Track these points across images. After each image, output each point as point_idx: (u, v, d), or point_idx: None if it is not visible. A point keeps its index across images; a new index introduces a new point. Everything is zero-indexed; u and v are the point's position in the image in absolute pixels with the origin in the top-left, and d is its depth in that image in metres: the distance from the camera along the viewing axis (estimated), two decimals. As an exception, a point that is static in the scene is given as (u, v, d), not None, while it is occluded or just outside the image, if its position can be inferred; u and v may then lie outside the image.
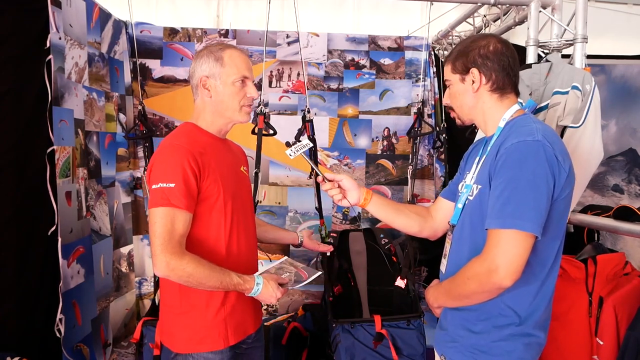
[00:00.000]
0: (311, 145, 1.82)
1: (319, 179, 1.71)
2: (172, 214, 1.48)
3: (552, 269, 1.41)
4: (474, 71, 1.46)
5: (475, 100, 1.49)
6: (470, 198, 1.47)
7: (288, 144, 1.72)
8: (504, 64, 1.45)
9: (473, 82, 1.47)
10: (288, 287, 1.67)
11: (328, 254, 3.04)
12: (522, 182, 1.29)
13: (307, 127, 3.16)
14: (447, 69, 1.54)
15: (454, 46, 1.67)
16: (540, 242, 1.33)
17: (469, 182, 1.49)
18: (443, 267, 1.58)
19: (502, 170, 1.33)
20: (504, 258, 1.28)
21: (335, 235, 3.25)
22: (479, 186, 1.43)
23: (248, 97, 1.67)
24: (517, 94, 1.51)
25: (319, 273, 1.76)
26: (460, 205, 1.51)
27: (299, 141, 1.75)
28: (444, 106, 1.69)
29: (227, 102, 1.64)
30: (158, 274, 1.49)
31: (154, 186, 1.51)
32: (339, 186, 1.70)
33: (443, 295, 1.51)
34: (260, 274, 1.64)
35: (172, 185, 1.49)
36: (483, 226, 1.35)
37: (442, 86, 3.62)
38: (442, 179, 3.78)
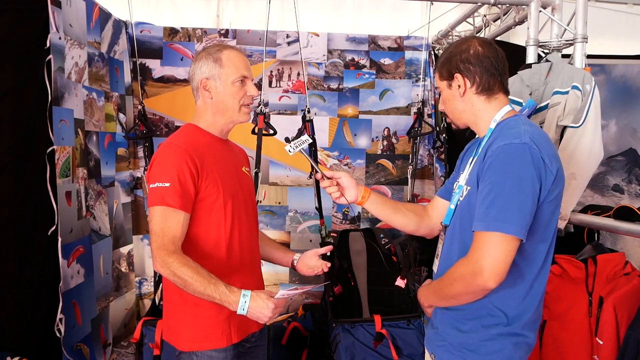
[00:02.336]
0: (310, 141, 1.81)
1: (318, 176, 1.71)
2: (167, 213, 1.50)
3: (542, 270, 1.41)
4: (458, 76, 1.47)
5: (464, 105, 1.50)
6: (461, 199, 1.48)
7: (287, 140, 1.72)
8: (487, 66, 1.45)
9: (459, 86, 1.48)
10: (285, 296, 1.49)
11: (328, 254, 3.06)
12: (507, 185, 1.30)
13: (307, 127, 3.16)
14: (437, 76, 1.55)
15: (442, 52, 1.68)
16: (528, 244, 1.34)
17: (462, 182, 1.51)
18: (435, 267, 1.60)
19: (488, 173, 1.34)
20: (488, 260, 1.28)
21: (335, 235, 3.25)
22: (469, 187, 1.45)
23: (248, 96, 1.68)
24: (507, 93, 1.52)
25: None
26: (452, 206, 1.52)
27: (299, 137, 1.74)
28: (441, 112, 1.70)
29: (228, 102, 1.65)
30: (157, 271, 1.52)
31: (151, 185, 1.54)
32: (338, 184, 1.71)
33: (432, 295, 1.53)
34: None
35: (167, 185, 1.50)
36: (471, 227, 1.36)
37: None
38: (442, 178, 3.78)
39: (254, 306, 1.45)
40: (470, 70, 1.45)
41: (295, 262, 1.88)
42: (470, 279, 1.32)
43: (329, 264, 1.87)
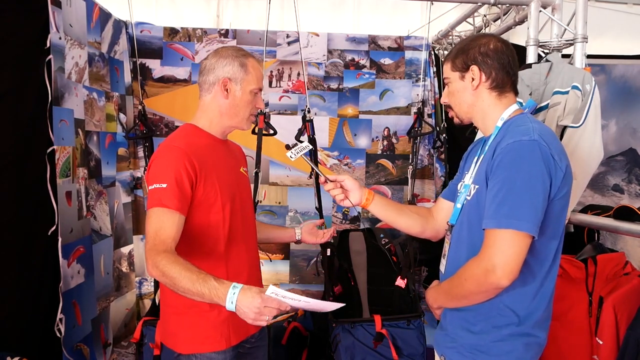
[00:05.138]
0: (311, 147, 1.82)
1: (321, 179, 1.72)
2: (162, 214, 1.47)
3: (551, 268, 1.41)
4: (474, 68, 1.46)
5: (474, 98, 1.49)
6: (468, 198, 1.47)
7: (288, 147, 1.72)
8: (504, 63, 1.45)
9: (472, 79, 1.47)
10: (277, 296, 1.26)
11: (328, 253, 3.06)
12: (518, 182, 1.29)
13: (307, 127, 3.16)
14: (447, 67, 1.54)
15: (454, 45, 1.67)
16: (538, 242, 1.33)
17: (468, 182, 1.50)
18: (442, 267, 1.58)
19: (498, 170, 1.33)
20: (501, 258, 1.28)
21: (335, 235, 3.25)
22: (477, 186, 1.44)
23: (256, 108, 1.70)
24: (516, 93, 1.52)
25: (337, 306, 1.47)
26: (459, 205, 1.51)
27: (300, 141, 1.75)
28: (443, 105, 1.68)
29: (240, 108, 1.66)
30: (148, 274, 1.49)
31: (149, 187, 1.52)
32: (341, 186, 1.71)
33: (442, 296, 1.52)
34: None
35: (165, 185, 1.48)
36: (480, 226, 1.36)
37: (442, 86, 3.62)
38: (442, 179, 3.78)
39: (242, 299, 1.25)
40: (488, 64, 1.45)
41: (298, 236, 1.98)
42: (483, 277, 1.31)
43: (332, 230, 2.00)
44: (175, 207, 1.48)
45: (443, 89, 1.62)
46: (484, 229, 1.33)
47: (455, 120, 1.58)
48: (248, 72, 1.64)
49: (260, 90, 1.69)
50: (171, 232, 1.45)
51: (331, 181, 1.70)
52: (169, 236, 1.44)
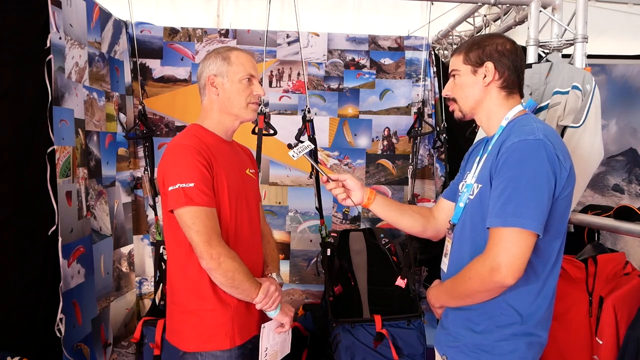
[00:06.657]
0: (313, 146, 1.83)
1: (323, 179, 1.72)
2: (203, 212, 1.51)
3: (554, 267, 1.42)
4: (489, 65, 1.47)
5: (483, 95, 1.50)
6: (471, 197, 1.47)
7: (290, 146, 1.73)
8: (517, 65, 1.48)
9: (485, 75, 1.48)
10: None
11: (328, 253, 3.06)
12: (523, 181, 1.29)
13: (307, 127, 3.16)
14: (458, 59, 1.53)
15: (455, 45, 1.68)
16: (541, 241, 1.34)
17: (470, 181, 1.50)
18: (444, 266, 1.58)
19: (503, 169, 1.33)
20: (506, 256, 1.28)
21: (335, 235, 3.25)
22: (480, 185, 1.44)
23: (254, 95, 1.70)
24: (522, 96, 1.53)
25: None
26: (461, 204, 1.51)
27: (300, 142, 1.75)
28: (443, 98, 1.66)
29: (234, 99, 1.67)
30: (206, 267, 1.52)
31: (171, 187, 1.52)
32: (343, 186, 1.71)
33: (445, 294, 1.52)
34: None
35: (192, 184, 1.51)
36: (483, 225, 1.36)
37: (443, 86, 3.62)
38: (443, 178, 3.78)
39: (285, 302, 1.72)
40: (503, 63, 1.46)
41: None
42: (488, 276, 1.31)
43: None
44: (207, 203, 1.53)
45: (444, 86, 1.62)
46: (488, 228, 1.33)
47: (457, 114, 1.57)
48: (232, 63, 1.67)
49: (253, 77, 1.69)
50: (218, 228, 1.55)
51: (333, 180, 1.70)
52: (219, 231, 1.55)
